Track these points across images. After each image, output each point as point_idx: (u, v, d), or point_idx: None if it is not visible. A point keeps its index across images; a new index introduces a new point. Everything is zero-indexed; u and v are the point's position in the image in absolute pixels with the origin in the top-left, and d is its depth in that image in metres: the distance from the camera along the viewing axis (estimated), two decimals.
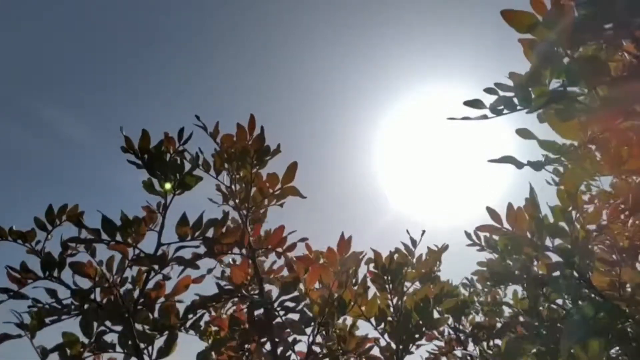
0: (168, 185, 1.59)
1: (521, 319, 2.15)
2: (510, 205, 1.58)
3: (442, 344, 2.18)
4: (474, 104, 1.12)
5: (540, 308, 1.85)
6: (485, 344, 2.25)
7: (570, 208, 1.52)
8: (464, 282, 2.41)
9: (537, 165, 1.33)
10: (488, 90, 1.13)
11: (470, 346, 2.19)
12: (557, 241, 1.57)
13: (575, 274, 1.59)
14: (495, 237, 1.84)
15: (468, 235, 1.86)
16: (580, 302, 1.71)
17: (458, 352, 2.24)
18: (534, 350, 1.79)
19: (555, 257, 1.62)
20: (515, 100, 1.10)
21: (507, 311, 2.35)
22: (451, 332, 2.18)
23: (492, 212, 1.61)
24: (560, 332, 1.73)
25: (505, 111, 1.11)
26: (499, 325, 2.28)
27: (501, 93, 1.11)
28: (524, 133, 1.31)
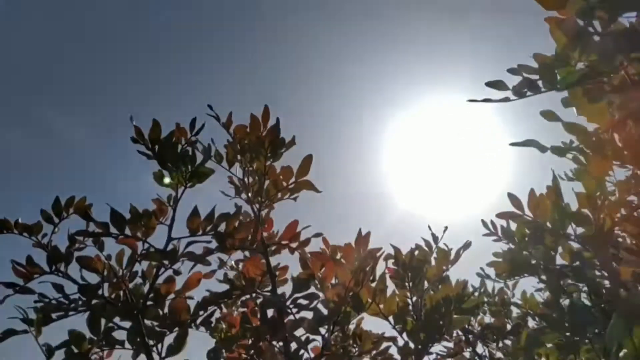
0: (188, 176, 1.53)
1: (530, 319, 2.09)
2: (532, 192, 1.54)
3: (450, 344, 2.11)
4: (497, 85, 1.07)
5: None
6: (494, 345, 2.20)
7: (597, 194, 1.46)
8: (478, 274, 2.35)
9: (561, 151, 1.28)
10: (511, 71, 1.08)
11: (479, 347, 2.14)
12: (580, 230, 1.52)
13: (597, 263, 1.54)
14: (513, 228, 1.79)
15: (484, 224, 1.79)
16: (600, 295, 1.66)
17: (467, 354, 2.18)
18: (553, 342, 1.73)
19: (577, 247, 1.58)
20: (540, 82, 1.05)
21: (515, 312, 2.29)
22: (460, 333, 2.11)
23: (513, 198, 1.56)
24: (582, 324, 1.67)
25: (528, 93, 1.06)
26: (508, 326, 2.23)
27: (525, 75, 1.07)
28: (549, 115, 1.26)
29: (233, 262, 2.09)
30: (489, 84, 1.07)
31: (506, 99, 1.06)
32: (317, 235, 1.81)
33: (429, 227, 1.91)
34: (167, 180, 1.55)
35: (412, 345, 1.73)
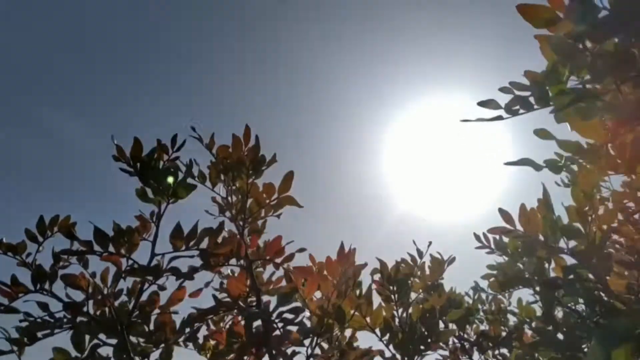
0: (170, 192, 1.56)
1: (526, 327, 2.08)
2: (523, 206, 1.54)
3: (446, 353, 2.10)
4: (489, 104, 1.08)
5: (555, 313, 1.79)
6: (490, 352, 2.18)
7: (587, 208, 1.47)
8: (473, 287, 2.35)
9: (555, 168, 1.29)
10: (503, 90, 1.09)
11: (475, 355, 2.12)
12: (572, 243, 1.52)
13: (591, 276, 1.54)
14: (506, 240, 1.80)
15: (477, 237, 1.81)
16: (596, 308, 1.66)
17: None
18: (550, 357, 1.73)
19: (569, 260, 1.57)
20: (532, 99, 1.06)
21: (511, 320, 2.28)
22: (456, 341, 2.11)
23: (504, 213, 1.56)
24: (576, 338, 1.67)
25: (521, 111, 1.07)
26: (504, 334, 2.21)
27: (517, 92, 1.08)
28: (542, 134, 1.27)
29: (229, 271, 2.11)
30: (481, 104, 1.08)
31: (499, 118, 1.08)
32: (301, 250, 1.83)
33: (414, 242, 1.94)
34: (149, 196, 1.58)
35: (398, 357, 1.74)
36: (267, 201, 1.79)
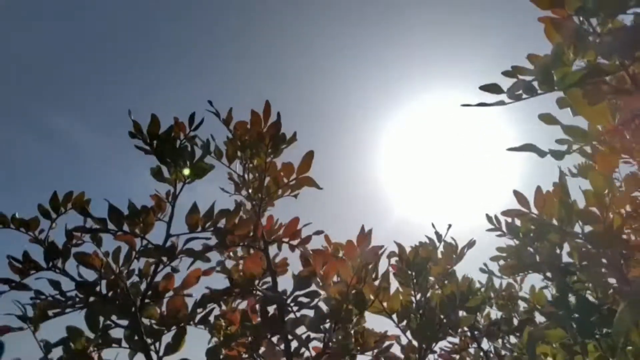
0: (187, 171, 1.51)
1: (537, 314, 2.05)
2: (539, 189, 1.49)
3: (456, 340, 2.07)
4: (491, 88, 1.03)
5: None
6: (500, 341, 2.16)
7: (606, 192, 1.42)
8: (482, 269, 2.31)
9: (558, 155, 1.24)
10: (506, 74, 1.05)
11: (485, 343, 2.09)
12: (587, 228, 1.47)
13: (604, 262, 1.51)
14: (518, 223, 1.76)
15: (489, 218, 1.76)
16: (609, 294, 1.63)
17: (472, 350, 2.15)
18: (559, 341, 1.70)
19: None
20: (536, 84, 1.01)
21: (522, 306, 2.25)
22: (466, 328, 2.07)
23: (519, 195, 1.52)
24: (590, 323, 1.64)
25: (524, 96, 1.02)
26: (515, 321, 2.19)
27: (520, 77, 1.04)
28: (547, 119, 1.22)
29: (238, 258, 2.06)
30: (483, 88, 1.04)
31: (501, 102, 1.03)
32: (318, 232, 1.78)
33: (433, 224, 1.88)
34: (165, 175, 1.53)
35: (415, 343, 1.70)
36: (286, 181, 1.73)
